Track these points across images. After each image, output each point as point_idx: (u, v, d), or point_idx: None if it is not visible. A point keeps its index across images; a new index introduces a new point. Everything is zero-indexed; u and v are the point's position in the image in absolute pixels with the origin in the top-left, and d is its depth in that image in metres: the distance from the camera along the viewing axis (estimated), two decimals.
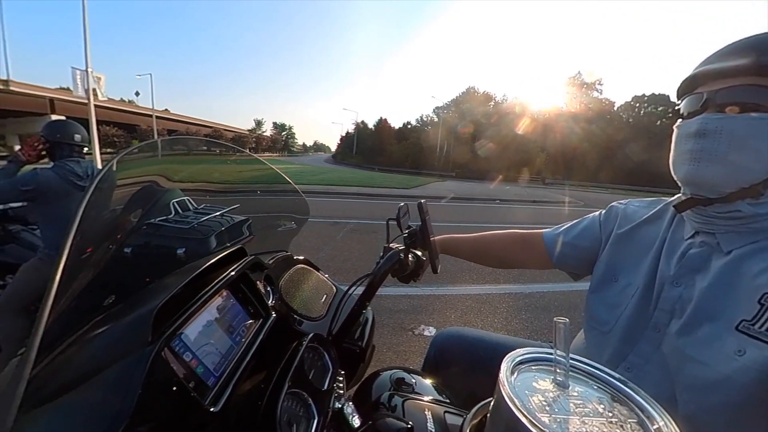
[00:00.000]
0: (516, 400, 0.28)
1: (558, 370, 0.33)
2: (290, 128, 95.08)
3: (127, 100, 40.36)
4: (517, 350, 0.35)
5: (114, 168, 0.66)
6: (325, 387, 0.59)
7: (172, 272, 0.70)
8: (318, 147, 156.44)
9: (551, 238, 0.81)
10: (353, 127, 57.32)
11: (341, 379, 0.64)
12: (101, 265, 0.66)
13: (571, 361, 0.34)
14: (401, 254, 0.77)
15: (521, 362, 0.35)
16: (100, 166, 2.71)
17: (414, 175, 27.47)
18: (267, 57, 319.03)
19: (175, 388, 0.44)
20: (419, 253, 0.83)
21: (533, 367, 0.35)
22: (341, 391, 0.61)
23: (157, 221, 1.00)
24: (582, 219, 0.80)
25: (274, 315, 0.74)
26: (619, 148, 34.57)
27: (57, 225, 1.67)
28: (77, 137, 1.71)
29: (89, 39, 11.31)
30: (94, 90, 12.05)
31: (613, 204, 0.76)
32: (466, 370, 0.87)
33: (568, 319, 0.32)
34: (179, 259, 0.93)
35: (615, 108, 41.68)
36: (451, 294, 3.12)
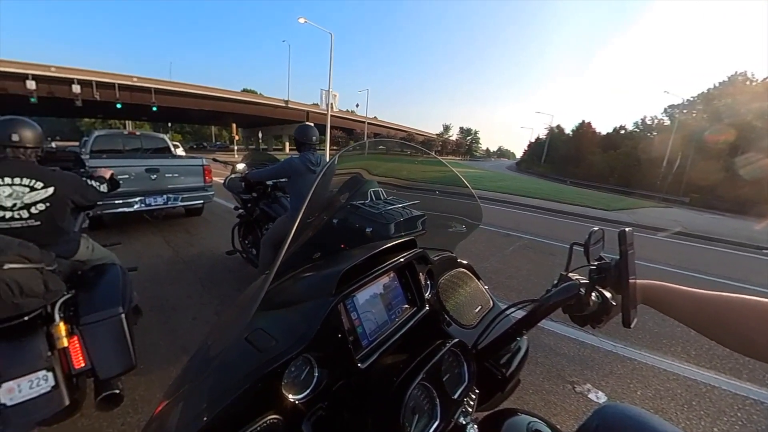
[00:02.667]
0: None
1: None
2: (475, 133, 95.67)
3: (349, 110, 52.18)
4: None
5: (336, 161, 0.89)
6: (456, 396, 0.58)
7: (359, 245, 0.86)
8: (501, 153, 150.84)
9: None
10: (545, 132, 51.60)
11: (474, 397, 0.61)
12: (317, 229, 0.89)
13: None
14: (582, 289, 0.63)
15: None
16: (327, 159, 3.69)
17: (620, 194, 21.72)
18: (459, 65, 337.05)
19: (339, 336, 0.58)
20: (608, 294, 0.64)
21: None
22: (470, 409, 0.58)
23: (357, 203, 1.28)
24: None
25: (427, 308, 0.79)
26: None
27: (298, 196, 2.48)
28: (314, 138, 2.56)
29: (332, 69, 18.09)
30: (331, 104, 17.81)
31: None
32: None
33: None
34: (366, 236, 1.15)
35: None
36: (645, 362, 2.29)
